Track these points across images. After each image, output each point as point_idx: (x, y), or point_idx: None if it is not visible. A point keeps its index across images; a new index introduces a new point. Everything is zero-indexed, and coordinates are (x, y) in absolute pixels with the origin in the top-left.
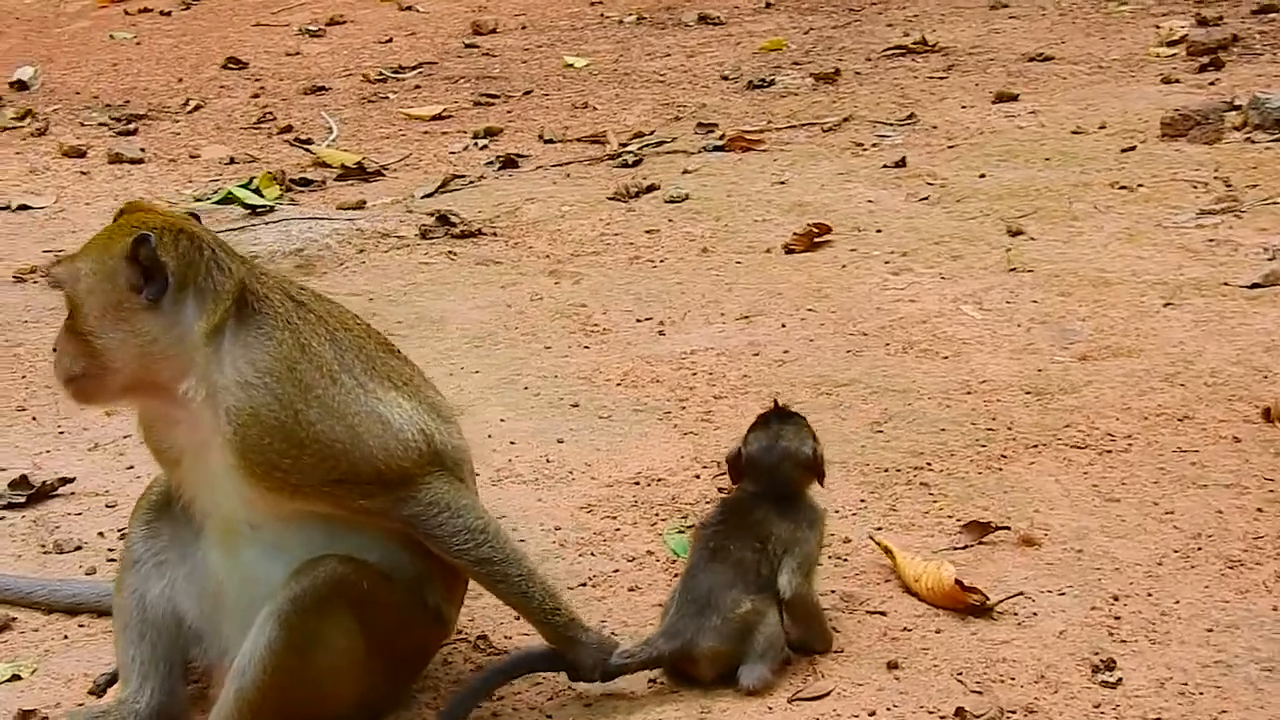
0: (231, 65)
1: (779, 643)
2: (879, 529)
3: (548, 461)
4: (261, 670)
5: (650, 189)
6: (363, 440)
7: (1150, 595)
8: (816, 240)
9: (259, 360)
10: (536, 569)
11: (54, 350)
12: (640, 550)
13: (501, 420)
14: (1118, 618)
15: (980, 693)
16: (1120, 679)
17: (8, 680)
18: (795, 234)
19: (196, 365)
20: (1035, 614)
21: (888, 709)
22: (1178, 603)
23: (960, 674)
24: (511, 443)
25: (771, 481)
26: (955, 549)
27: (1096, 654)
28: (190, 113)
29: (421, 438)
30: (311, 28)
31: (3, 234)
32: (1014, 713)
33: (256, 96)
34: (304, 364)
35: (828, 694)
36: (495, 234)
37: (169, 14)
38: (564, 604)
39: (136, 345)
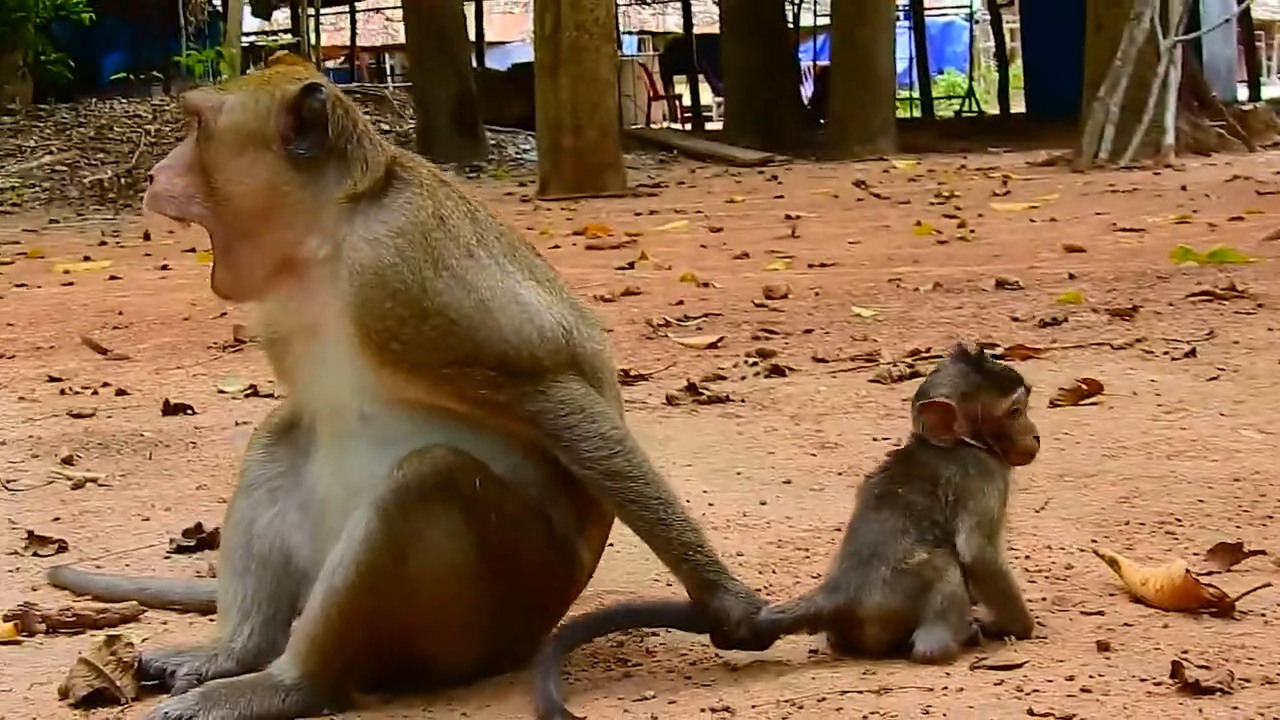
0: None
1: (962, 606)
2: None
3: (744, 515)
4: (354, 569)
5: (915, 375)
6: (493, 318)
7: None
8: (1084, 398)
9: (393, 220)
10: (679, 500)
11: (149, 180)
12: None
13: (704, 491)
14: None
15: (1208, 668)
16: None
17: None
18: (1061, 389)
19: (325, 224)
20: None
21: (1091, 677)
22: None
23: (1186, 652)
24: (710, 504)
25: None
26: (1198, 576)
27: None
28: None
29: (559, 331)
30: (605, 295)
31: None
32: (1248, 682)
33: None
34: (439, 233)
35: (1020, 664)
36: (744, 401)
37: None
38: (709, 543)
39: (264, 195)
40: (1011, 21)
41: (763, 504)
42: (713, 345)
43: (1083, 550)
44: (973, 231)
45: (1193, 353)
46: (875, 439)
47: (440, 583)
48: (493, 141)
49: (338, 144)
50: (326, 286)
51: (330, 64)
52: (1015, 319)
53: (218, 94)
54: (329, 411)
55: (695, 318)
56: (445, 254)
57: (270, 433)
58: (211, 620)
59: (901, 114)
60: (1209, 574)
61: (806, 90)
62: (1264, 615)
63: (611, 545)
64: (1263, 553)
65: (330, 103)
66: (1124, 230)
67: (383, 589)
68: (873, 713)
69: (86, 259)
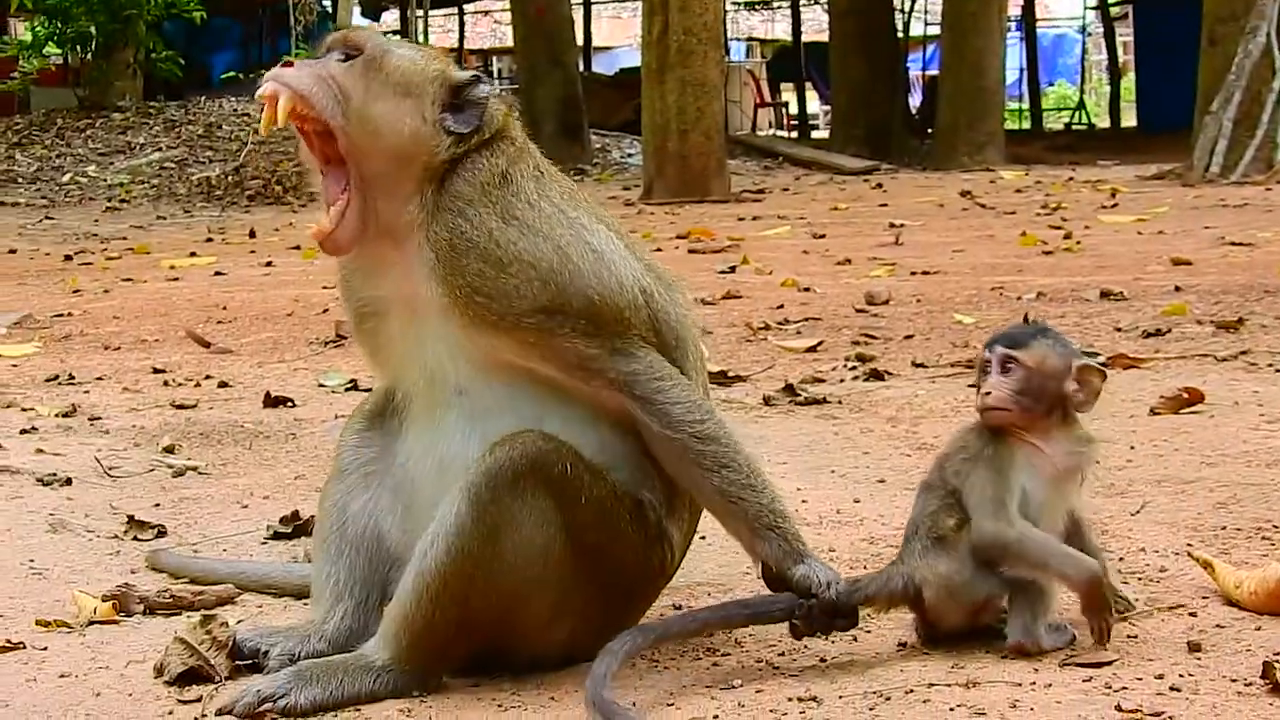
0: None
1: (1041, 596)
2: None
3: (838, 512)
4: (445, 552)
5: None
6: (571, 263)
7: None
8: (1185, 407)
9: (454, 184)
10: (764, 470)
11: (281, 67)
12: None
13: (798, 489)
14: None
15: None
16: None
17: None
18: (1163, 398)
19: (423, 191)
20: None
21: (1181, 676)
22: None
23: (1278, 654)
24: (804, 501)
25: None
26: None
27: None
28: None
29: (637, 288)
30: (706, 298)
31: None
32: None
33: None
34: (500, 189)
35: (1110, 662)
36: (841, 403)
37: None
38: (791, 515)
39: (401, 140)
40: (1125, 35)
41: (856, 501)
42: (812, 349)
43: (1177, 554)
44: (1079, 243)
45: None
46: None
47: (530, 567)
48: (597, 145)
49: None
50: (417, 255)
51: None
52: (1118, 329)
53: (387, 43)
54: (425, 385)
55: (795, 322)
56: (510, 206)
57: (364, 419)
58: (305, 604)
59: (1010, 125)
60: None
61: (914, 100)
62: None
63: (703, 538)
64: None
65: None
66: (1233, 245)
67: (473, 572)
68: (960, 705)
69: (192, 255)
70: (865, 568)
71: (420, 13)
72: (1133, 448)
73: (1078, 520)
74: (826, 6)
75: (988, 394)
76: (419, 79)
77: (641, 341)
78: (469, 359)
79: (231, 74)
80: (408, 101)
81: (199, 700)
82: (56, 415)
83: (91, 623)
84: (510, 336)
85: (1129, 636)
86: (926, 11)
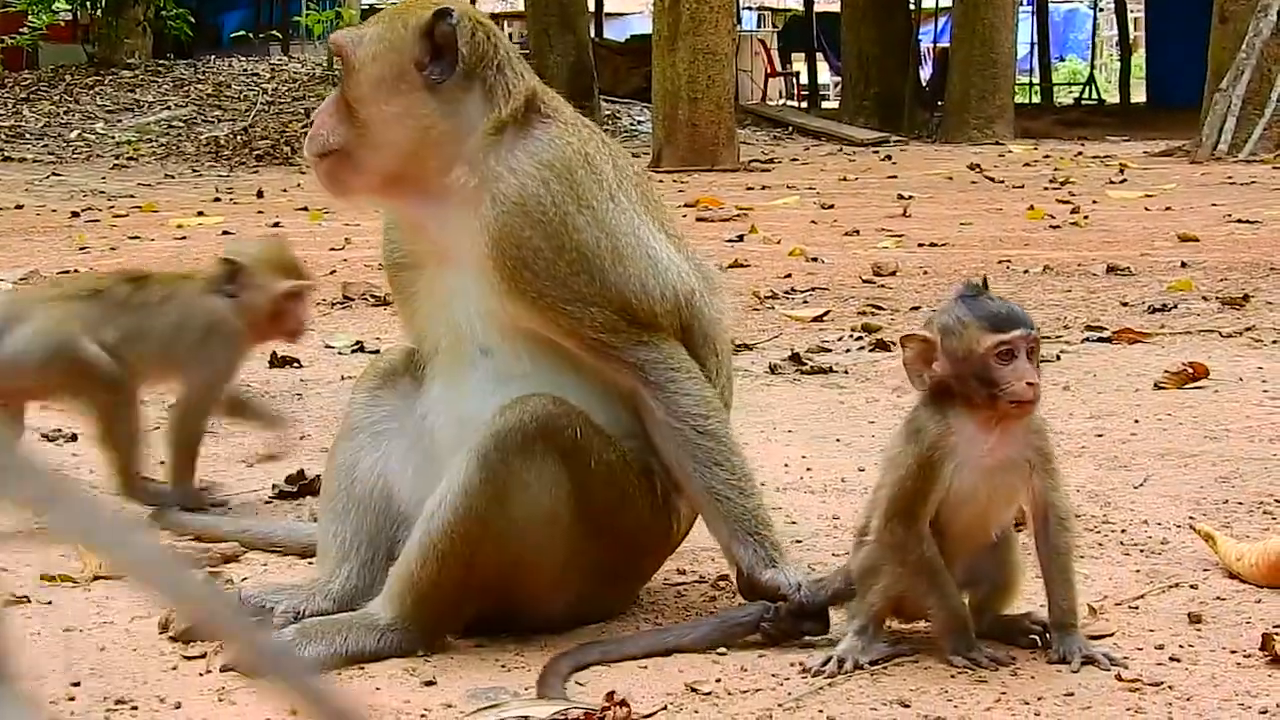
0: None
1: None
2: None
3: (843, 480)
4: (452, 512)
5: None
6: (623, 265)
7: None
8: (1189, 382)
9: (541, 153)
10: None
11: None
12: None
13: (803, 457)
14: None
15: None
16: None
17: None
18: (1167, 372)
19: (471, 155)
20: None
21: (1181, 647)
22: None
23: (1278, 626)
24: (808, 469)
25: None
26: None
27: None
28: None
29: (684, 290)
30: (713, 266)
31: None
32: None
33: None
34: (583, 171)
35: (1110, 633)
36: (847, 372)
37: None
38: (775, 525)
39: (407, 125)
40: (1136, 10)
41: (861, 471)
42: (819, 318)
43: (1179, 526)
44: (1086, 217)
45: None
46: None
47: (537, 529)
48: (607, 112)
49: (477, 70)
50: (468, 212)
51: None
52: (1124, 304)
53: (359, 30)
54: (450, 342)
55: (802, 291)
56: (588, 193)
57: (376, 378)
58: (310, 563)
59: (1020, 99)
60: None
61: (925, 72)
62: None
63: None
64: None
65: (464, 26)
66: (1240, 222)
67: (480, 533)
68: (961, 671)
69: (200, 214)
70: None
71: None
72: (1137, 421)
73: (1049, 512)
74: None
75: (1032, 384)
76: (391, 54)
77: (666, 337)
78: (495, 321)
79: (242, 33)
80: (388, 84)
81: (203, 656)
82: None
83: (96, 578)
84: (540, 313)
85: (1130, 607)
86: None
